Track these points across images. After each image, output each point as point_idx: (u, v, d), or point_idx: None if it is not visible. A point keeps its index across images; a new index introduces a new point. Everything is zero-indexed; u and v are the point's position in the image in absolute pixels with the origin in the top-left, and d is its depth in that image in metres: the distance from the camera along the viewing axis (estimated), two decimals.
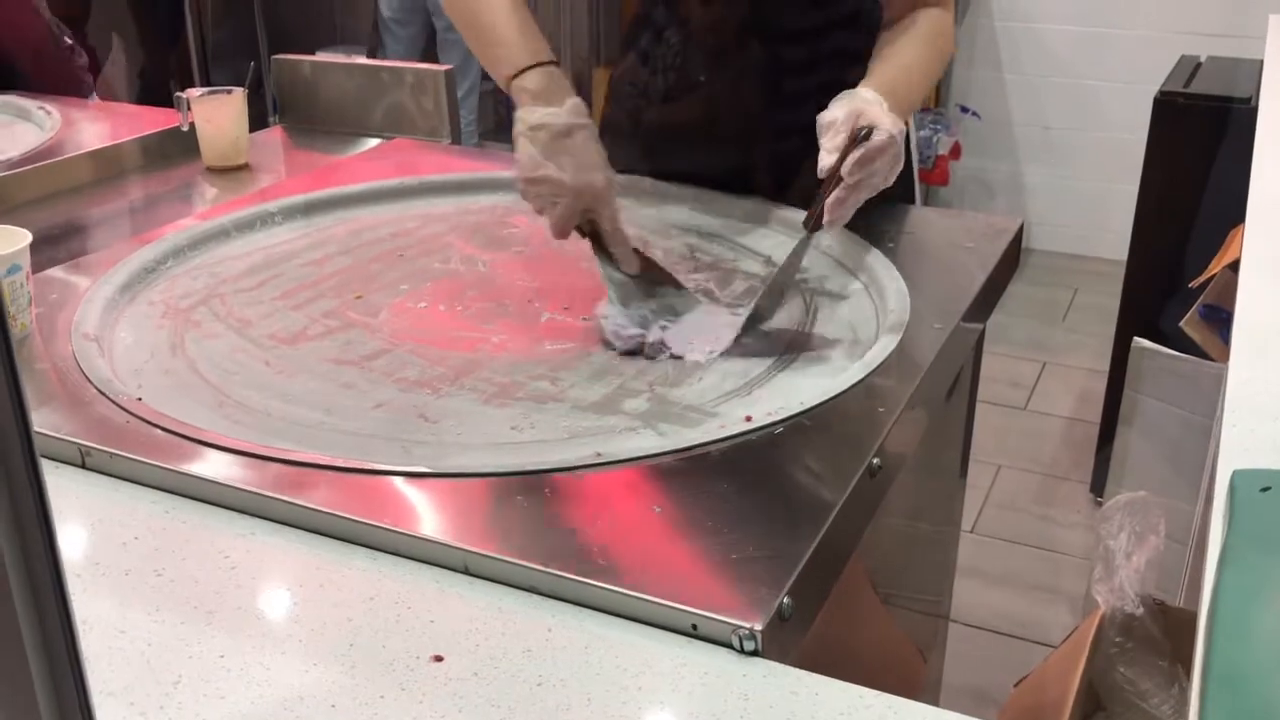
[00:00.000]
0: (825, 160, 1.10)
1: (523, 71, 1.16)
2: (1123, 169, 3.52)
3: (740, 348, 1.08)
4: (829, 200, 1.09)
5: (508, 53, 1.18)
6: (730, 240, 1.34)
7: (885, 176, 1.11)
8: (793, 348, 1.09)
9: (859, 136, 1.09)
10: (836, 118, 1.11)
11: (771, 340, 1.10)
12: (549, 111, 1.13)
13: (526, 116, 1.13)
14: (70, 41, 1.96)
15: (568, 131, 1.12)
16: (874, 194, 1.12)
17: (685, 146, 1.44)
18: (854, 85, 1.17)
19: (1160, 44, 3.48)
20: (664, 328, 1.10)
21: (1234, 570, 0.68)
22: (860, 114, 1.11)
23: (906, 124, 1.21)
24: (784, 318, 1.14)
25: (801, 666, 0.70)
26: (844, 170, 1.08)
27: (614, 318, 1.11)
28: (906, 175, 1.52)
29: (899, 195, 1.45)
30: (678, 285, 1.16)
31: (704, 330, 1.10)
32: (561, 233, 1.14)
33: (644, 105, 1.44)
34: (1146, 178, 2.42)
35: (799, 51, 1.37)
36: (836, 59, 1.34)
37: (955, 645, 1.84)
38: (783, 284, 1.13)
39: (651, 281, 1.15)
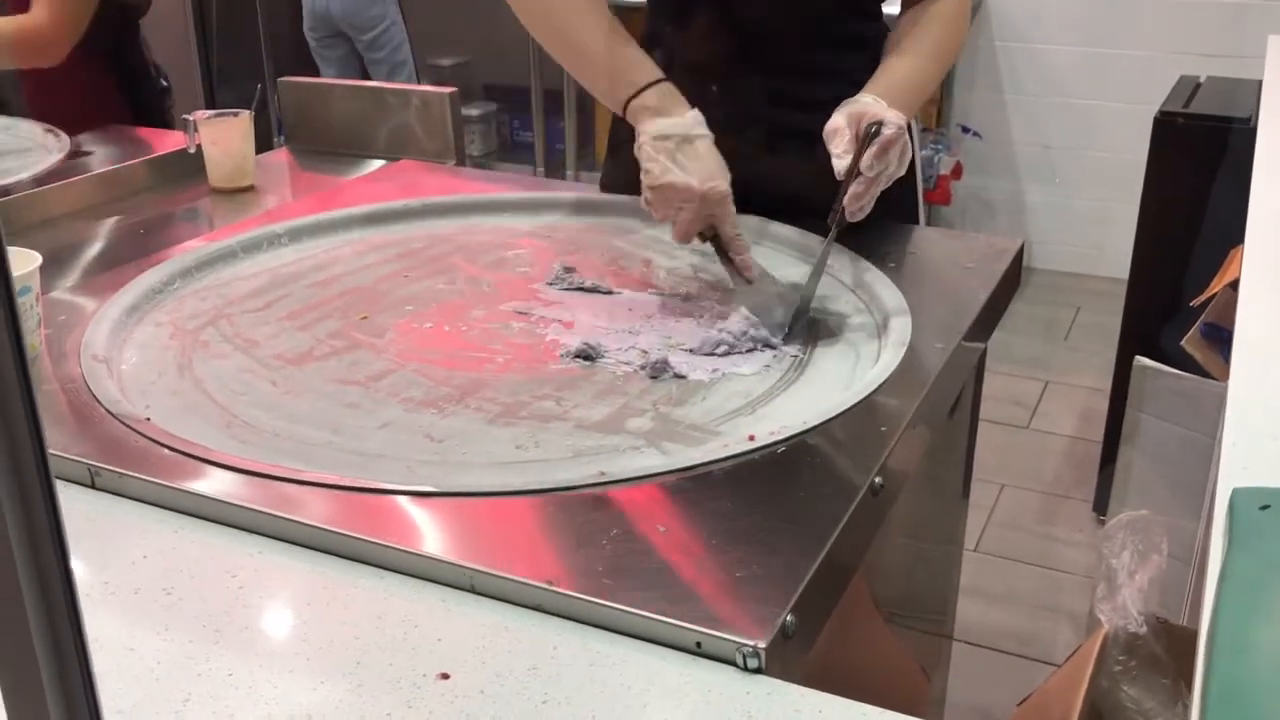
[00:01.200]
0: (840, 163, 1.17)
1: (641, 91, 1.24)
2: (1123, 188, 3.53)
3: (789, 336, 1.14)
4: (849, 195, 1.17)
5: (620, 79, 1.26)
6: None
7: (899, 166, 1.18)
8: (798, 363, 1.10)
9: (870, 133, 1.16)
10: (839, 124, 1.18)
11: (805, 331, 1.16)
12: (673, 122, 1.21)
13: (650, 128, 1.21)
14: (166, 84, 2.02)
15: (691, 140, 1.20)
16: (889, 184, 1.19)
17: None
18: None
19: (1160, 64, 3.50)
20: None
21: (1234, 588, 0.69)
22: (862, 114, 1.18)
23: (910, 126, 1.26)
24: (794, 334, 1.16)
25: (805, 684, 0.71)
26: (863, 165, 1.15)
27: (754, 321, 1.16)
28: (911, 195, 1.53)
29: (905, 215, 1.47)
30: (782, 288, 1.24)
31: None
32: (685, 237, 1.23)
33: None
34: (1147, 197, 2.43)
35: (798, 77, 1.40)
36: (836, 80, 1.36)
37: (958, 663, 1.83)
38: (817, 278, 1.20)
39: (768, 283, 1.23)
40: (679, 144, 1.20)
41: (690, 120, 1.21)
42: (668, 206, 1.21)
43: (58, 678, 0.48)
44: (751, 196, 1.40)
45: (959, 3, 1.36)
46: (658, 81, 1.24)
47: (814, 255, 1.34)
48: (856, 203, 1.17)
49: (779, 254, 1.36)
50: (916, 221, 1.52)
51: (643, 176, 1.22)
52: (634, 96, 1.24)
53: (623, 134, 1.49)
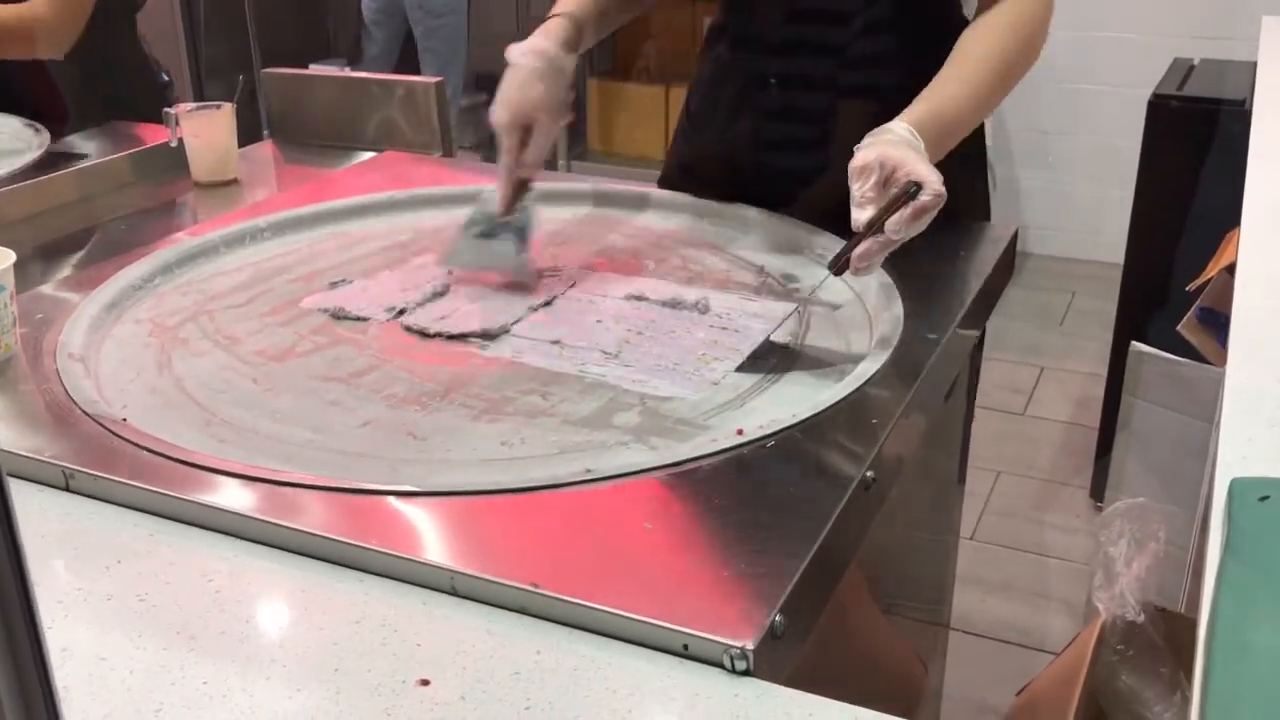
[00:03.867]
0: (861, 214, 1.05)
1: (546, 20, 1.32)
2: (1118, 172, 3.52)
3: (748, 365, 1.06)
4: (860, 250, 1.05)
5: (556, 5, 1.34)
6: (724, 251, 1.33)
7: (921, 230, 1.07)
8: (785, 359, 1.08)
9: (906, 192, 1.04)
10: (868, 163, 1.06)
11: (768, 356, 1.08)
12: (511, 49, 1.28)
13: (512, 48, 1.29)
14: (168, 79, 2.00)
15: (514, 67, 1.27)
16: (898, 246, 1.07)
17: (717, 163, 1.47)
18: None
19: (1153, 47, 3.48)
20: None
21: (1232, 580, 0.67)
22: (895, 165, 1.05)
23: (981, 139, 1.25)
24: (780, 330, 1.13)
25: (800, 679, 0.69)
26: (889, 227, 1.03)
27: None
28: (984, 192, 1.49)
29: (975, 212, 1.44)
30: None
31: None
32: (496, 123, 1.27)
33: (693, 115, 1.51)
34: (1141, 181, 2.41)
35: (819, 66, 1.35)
36: (859, 69, 1.34)
37: (955, 653, 1.82)
38: (793, 317, 1.14)
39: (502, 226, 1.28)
40: (507, 73, 1.27)
41: (517, 49, 1.27)
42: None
43: (17, 691, 0.46)
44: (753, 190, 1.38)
45: (1038, 7, 1.25)
46: (557, 15, 1.32)
47: (803, 247, 1.32)
48: (865, 260, 1.05)
49: (786, 251, 1.34)
50: (988, 218, 1.44)
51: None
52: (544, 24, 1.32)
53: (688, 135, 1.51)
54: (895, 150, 1.06)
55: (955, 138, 1.17)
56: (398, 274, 1.26)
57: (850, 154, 1.09)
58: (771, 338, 1.09)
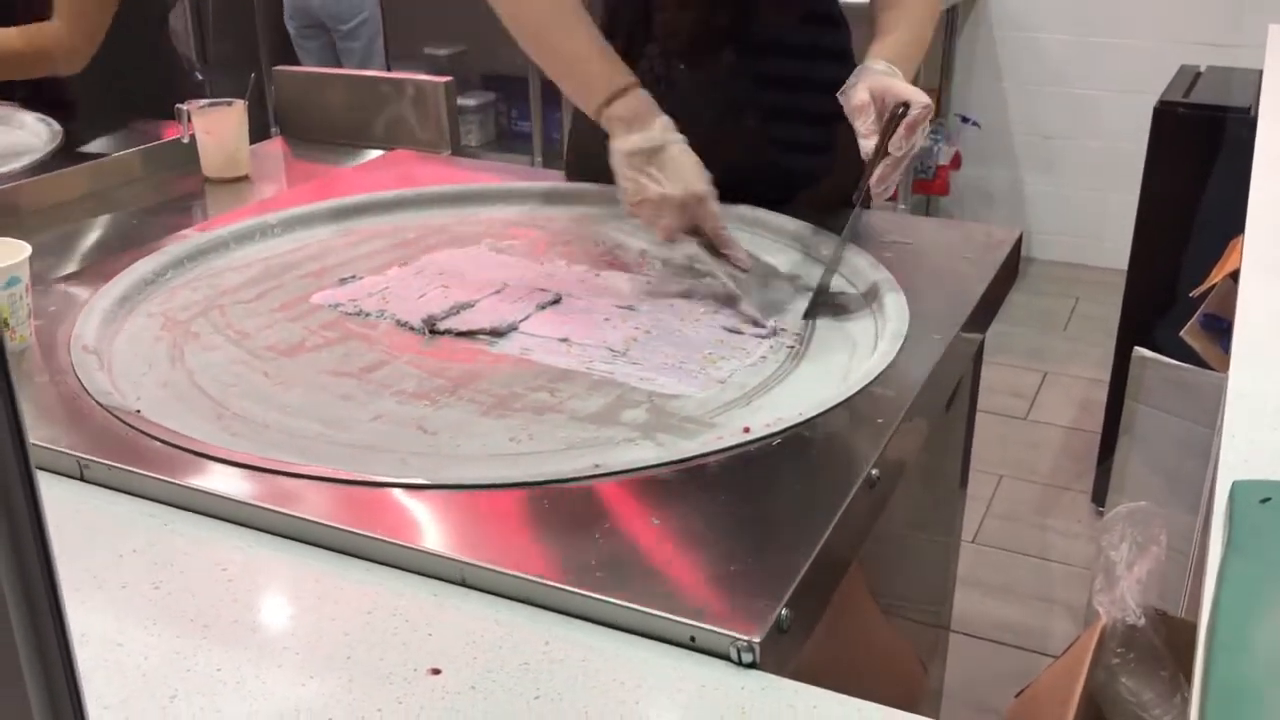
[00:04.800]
0: (867, 143, 1.17)
1: (612, 99, 1.23)
2: (1122, 178, 3.53)
3: (810, 313, 1.16)
4: (876, 174, 1.16)
5: (593, 84, 1.25)
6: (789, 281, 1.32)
7: (920, 142, 1.18)
8: (791, 359, 1.09)
9: (896, 114, 1.15)
10: (864, 100, 1.17)
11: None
12: (642, 136, 1.21)
13: (621, 145, 1.22)
14: (200, 78, 2.02)
15: (662, 150, 1.21)
16: (909, 162, 1.19)
17: None
18: (839, 84, 1.22)
19: (1159, 54, 3.49)
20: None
21: (1233, 582, 0.68)
22: (886, 91, 1.17)
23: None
24: (789, 321, 1.16)
25: (801, 677, 0.70)
26: (891, 146, 1.15)
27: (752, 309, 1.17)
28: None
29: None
30: (776, 272, 1.27)
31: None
32: (670, 236, 1.24)
33: None
34: (1146, 187, 2.42)
35: (782, 58, 1.40)
36: (819, 59, 1.38)
37: (956, 655, 1.83)
38: (838, 259, 1.23)
39: (764, 274, 1.25)
40: (649, 156, 1.21)
41: (658, 130, 1.22)
42: (648, 217, 1.24)
43: (41, 674, 0.47)
44: (745, 182, 1.39)
45: None
46: (627, 89, 1.24)
47: (803, 241, 1.33)
48: (882, 183, 1.17)
49: (775, 243, 1.35)
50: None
51: (620, 195, 1.25)
52: (606, 104, 1.24)
53: (584, 125, 1.47)
54: (880, 81, 1.19)
55: (918, 61, 1.31)
56: (408, 270, 1.27)
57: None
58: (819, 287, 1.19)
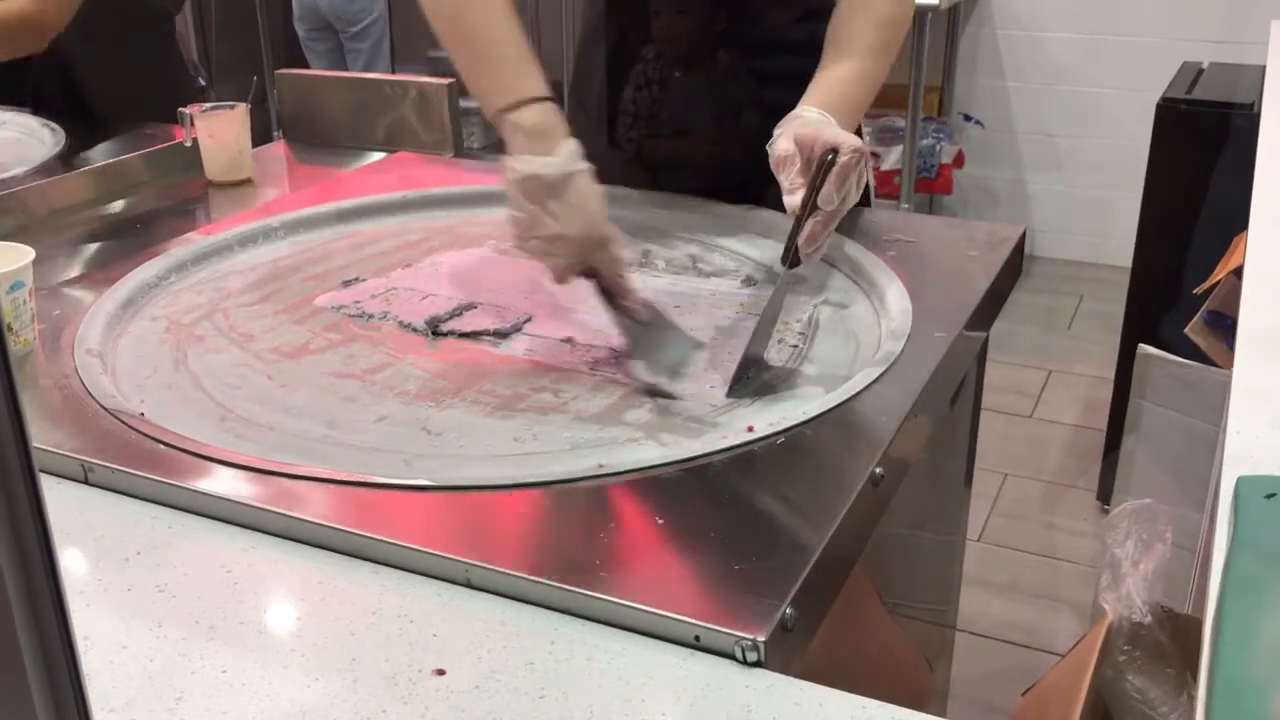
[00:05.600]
0: (793, 199, 1.05)
1: (520, 105, 1.09)
2: (1126, 175, 3.52)
3: (740, 388, 1.02)
4: (804, 234, 1.04)
5: (502, 83, 1.11)
6: (732, 251, 1.34)
7: (856, 192, 1.06)
8: (795, 358, 1.09)
9: (825, 162, 1.03)
10: (787, 151, 1.06)
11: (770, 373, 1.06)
12: (544, 162, 1.07)
13: (519, 166, 1.07)
14: (204, 82, 2.02)
15: (565, 181, 1.06)
16: (843, 216, 1.06)
17: (672, 165, 1.44)
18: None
19: (1162, 51, 3.48)
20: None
21: (1238, 578, 0.68)
22: (813, 140, 1.05)
23: (859, 132, 1.19)
24: (774, 354, 1.09)
25: (807, 676, 0.70)
26: (821, 201, 1.03)
27: (635, 366, 1.06)
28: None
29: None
30: (677, 330, 1.12)
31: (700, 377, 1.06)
32: (562, 279, 1.10)
33: (628, 125, 1.44)
34: (1150, 184, 2.42)
35: (780, 55, 1.36)
36: (817, 55, 1.32)
37: (962, 654, 1.83)
38: (769, 326, 1.07)
39: (660, 330, 1.11)
40: (549, 187, 1.06)
41: (565, 156, 1.07)
42: (537, 252, 1.09)
43: (45, 676, 0.47)
44: (744, 183, 1.39)
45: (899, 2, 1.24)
46: (540, 100, 1.10)
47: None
48: (812, 243, 1.05)
49: (769, 243, 1.35)
50: (868, 203, 1.42)
51: (508, 222, 1.10)
52: (511, 109, 1.09)
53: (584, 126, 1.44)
54: (806, 129, 1.07)
55: (860, 109, 1.20)
56: (411, 272, 1.27)
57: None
58: (764, 355, 1.06)
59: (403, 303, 1.20)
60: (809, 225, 1.04)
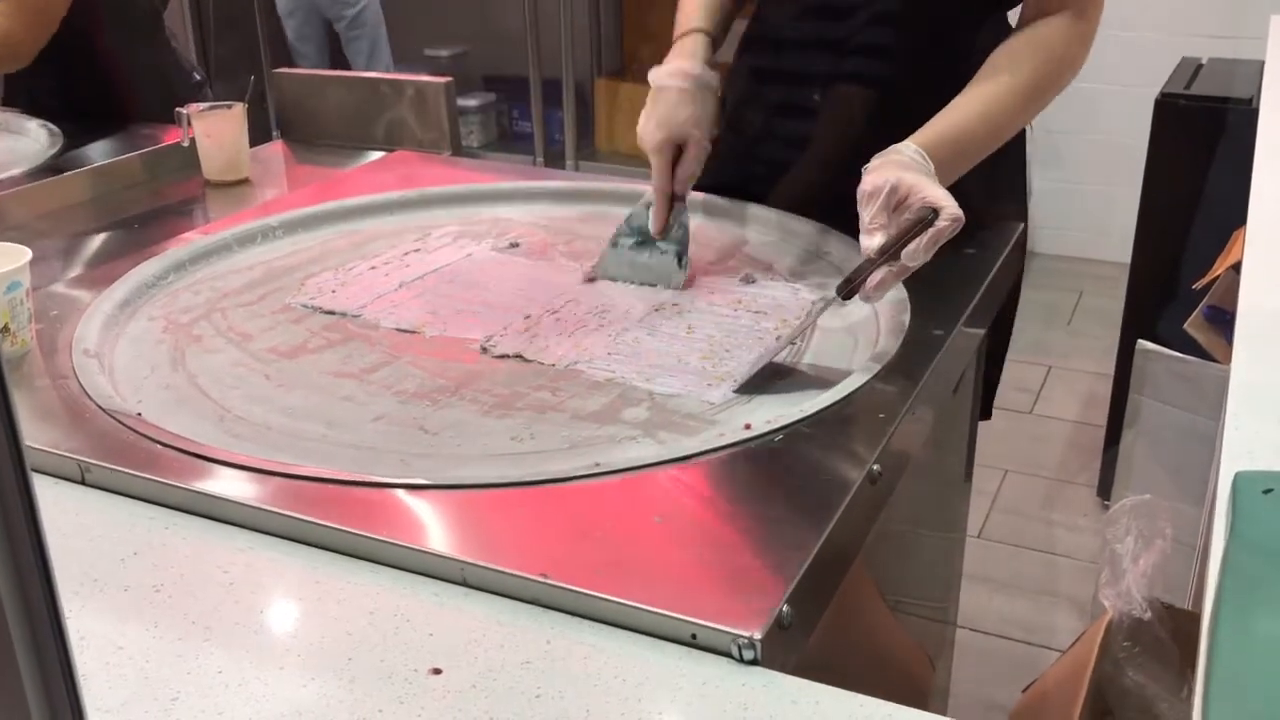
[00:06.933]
0: (871, 241, 1.02)
1: (682, 36, 1.31)
2: (1125, 171, 3.51)
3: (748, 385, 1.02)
4: (875, 279, 1.02)
5: (682, 17, 1.33)
6: (786, 281, 1.26)
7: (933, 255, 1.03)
8: (793, 355, 1.09)
9: (924, 218, 1.01)
10: (877, 187, 1.03)
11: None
12: (653, 73, 1.28)
13: (649, 73, 1.29)
14: (200, 78, 2.01)
15: (657, 91, 1.27)
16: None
17: (784, 167, 1.40)
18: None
19: (1161, 46, 3.48)
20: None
21: (1236, 573, 0.68)
22: (907, 189, 1.02)
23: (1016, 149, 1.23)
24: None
25: (808, 674, 0.70)
26: (905, 255, 1.01)
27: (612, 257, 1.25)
28: (1021, 194, 1.47)
29: (1012, 214, 1.38)
30: (682, 254, 1.25)
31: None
32: (650, 152, 1.26)
33: (756, 119, 1.42)
34: (1149, 180, 2.41)
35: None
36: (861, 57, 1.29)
37: (962, 650, 1.83)
38: (794, 339, 1.08)
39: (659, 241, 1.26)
40: (654, 95, 1.26)
41: (663, 71, 1.27)
42: (640, 141, 1.27)
43: (40, 676, 0.47)
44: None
45: (1076, 28, 1.18)
46: (693, 31, 1.30)
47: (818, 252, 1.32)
48: (882, 290, 1.03)
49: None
50: (1024, 219, 1.38)
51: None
52: (679, 37, 1.31)
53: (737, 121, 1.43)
54: (906, 174, 1.03)
55: (969, 160, 1.15)
56: (410, 271, 1.27)
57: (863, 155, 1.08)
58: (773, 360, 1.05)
59: (402, 302, 1.19)
60: (881, 272, 1.02)
